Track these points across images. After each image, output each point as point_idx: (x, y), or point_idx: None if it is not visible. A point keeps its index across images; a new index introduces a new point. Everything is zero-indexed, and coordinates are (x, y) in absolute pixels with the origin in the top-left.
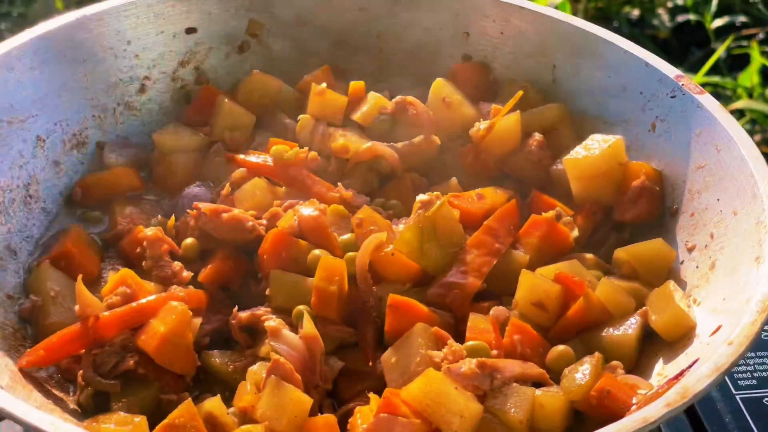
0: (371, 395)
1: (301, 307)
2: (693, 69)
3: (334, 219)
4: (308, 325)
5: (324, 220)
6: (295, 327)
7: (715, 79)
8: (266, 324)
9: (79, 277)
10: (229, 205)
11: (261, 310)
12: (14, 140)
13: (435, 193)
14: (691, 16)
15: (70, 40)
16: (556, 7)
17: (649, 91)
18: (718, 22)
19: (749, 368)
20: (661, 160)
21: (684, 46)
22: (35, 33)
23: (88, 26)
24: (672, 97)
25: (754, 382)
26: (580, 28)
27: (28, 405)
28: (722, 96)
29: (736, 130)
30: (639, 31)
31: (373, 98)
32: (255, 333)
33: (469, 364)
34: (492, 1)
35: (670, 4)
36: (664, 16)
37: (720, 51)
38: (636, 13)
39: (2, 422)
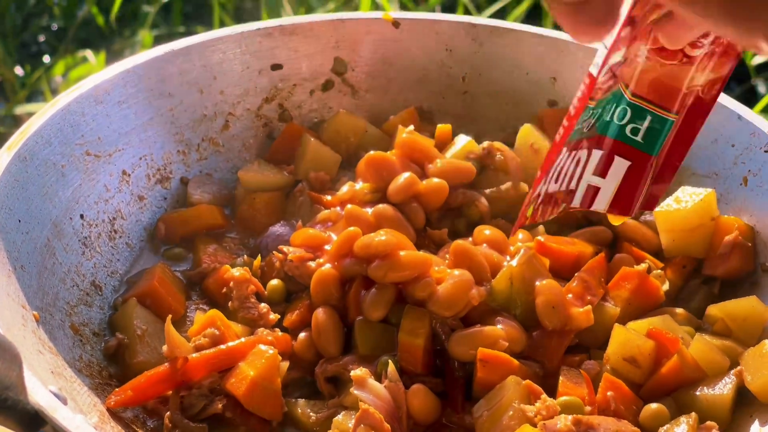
0: None
1: (385, 357)
2: None
3: None
4: (393, 375)
5: None
6: (380, 377)
7: None
8: (351, 373)
9: (168, 317)
10: None
11: (347, 359)
12: (101, 174)
13: (526, 243)
14: None
15: (158, 75)
16: None
17: (742, 145)
18: (759, 59)
19: None
20: (753, 215)
21: None
22: (123, 67)
23: (175, 61)
24: (766, 151)
25: None
26: None
27: None
28: None
29: None
30: None
31: (462, 141)
32: (339, 382)
33: (564, 421)
34: (581, 48)
35: None
36: None
37: None
38: None
39: None
